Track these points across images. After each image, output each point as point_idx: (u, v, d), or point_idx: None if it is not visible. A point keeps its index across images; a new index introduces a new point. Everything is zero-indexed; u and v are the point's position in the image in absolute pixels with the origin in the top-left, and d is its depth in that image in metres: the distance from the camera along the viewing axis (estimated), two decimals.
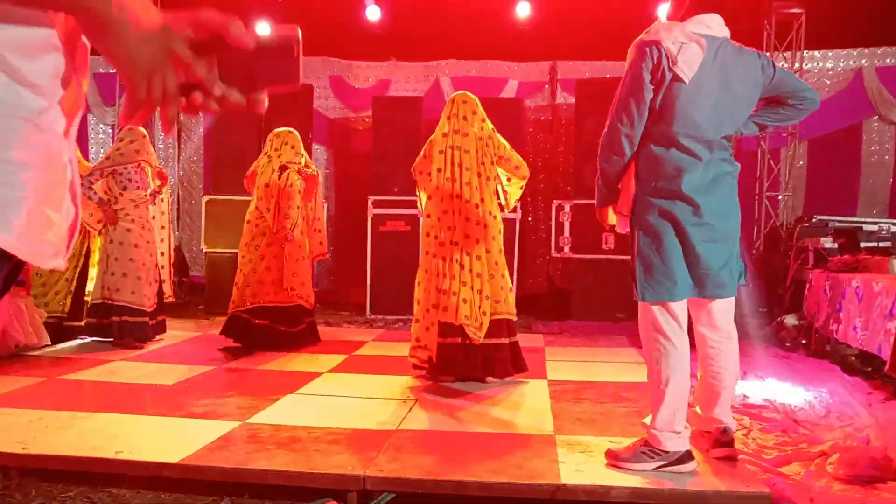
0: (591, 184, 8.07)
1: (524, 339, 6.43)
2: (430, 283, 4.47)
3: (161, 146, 9.65)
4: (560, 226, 7.79)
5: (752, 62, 2.98)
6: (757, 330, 6.88)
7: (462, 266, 4.40)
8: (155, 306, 5.73)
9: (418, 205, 4.92)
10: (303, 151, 5.92)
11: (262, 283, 5.48)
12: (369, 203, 7.78)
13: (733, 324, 3.12)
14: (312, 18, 9.21)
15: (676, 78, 2.82)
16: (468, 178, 4.48)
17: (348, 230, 9.25)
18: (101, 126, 10.18)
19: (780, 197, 8.26)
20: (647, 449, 2.94)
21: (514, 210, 7.73)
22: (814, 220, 6.97)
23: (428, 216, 4.57)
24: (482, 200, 4.47)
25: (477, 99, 4.77)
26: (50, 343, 5.40)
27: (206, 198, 8.27)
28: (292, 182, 5.53)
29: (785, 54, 8.27)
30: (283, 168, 5.57)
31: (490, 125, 4.69)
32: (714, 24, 2.90)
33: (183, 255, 9.46)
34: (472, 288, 4.39)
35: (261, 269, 5.49)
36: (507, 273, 4.59)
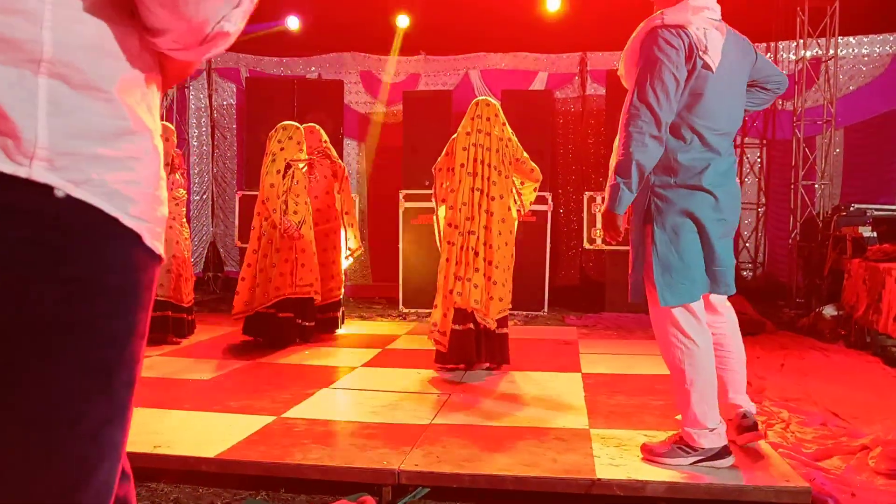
0: None
1: (558, 332, 6.44)
2: (449, 271, 4.61)
3: (195, 143, 9.77)
4: (592, 217, 7.74)
5: (747, 47, 2.92)
6: (795, 321, 6.78)
7: (476, 254, 4.52)
8: (192, 302, 5.83)
9: (433, 201, 4.98)
10: (326, 143, 5.99)
11: (283, 276, 5.51)
12: (400, 197, 7.81)
13: (732, 308, 3.09)
14: (342, 14, 9.24)
15: (706, 66, 2.69)
16: (489, 173, 4.61)
17: (380, 224, 9.29)
18: None
19: (816, 185, 8.11)
20: (684, 445, 2.90)
21: (545, 202, 7.71)
22: (851, 208, 6.83)
23: (451, 207, 4.65)
24: (501, 196, 4.62)
25: (499, 104, 4.92)
26: None
27: (239, 194, 8.37)
28: (298, 180, 5.58)
29: (819, 41, 8.11)
30: (287, 166, 5.59)
31: (510, 130, 4.82)
32: (716, 7, 2.79)
33: (217, 250, 9.58)
34: (483, 275, 4.53)
35: (280, 263, 5.51)
36: (511, 270, 4.70)
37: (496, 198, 4.59)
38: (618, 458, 2.99)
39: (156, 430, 3.31)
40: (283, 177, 5.53)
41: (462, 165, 4.64)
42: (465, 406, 3.87)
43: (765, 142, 9.00)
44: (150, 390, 4.15)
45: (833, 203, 7.99)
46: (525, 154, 4.84)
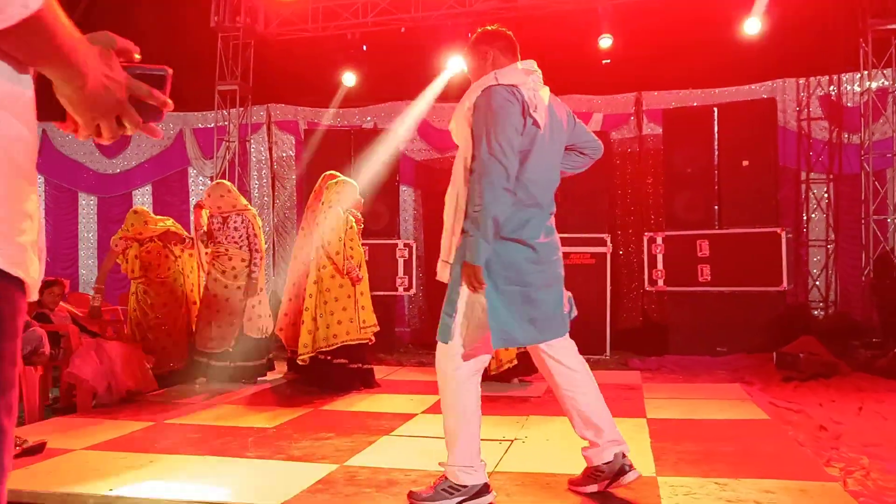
0: (682, 215, 7.88)
1: (621, 377, 6.30)
2: None
3: (256, 194, 10.03)
4: (652, 258, 7.62)
5: (564, 110, 3.06)
6: (871, 361, 6.50)
7: None
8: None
9: None
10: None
11: (341, 323, 5.60)
12: None
13: (579, 356, 3.16)
14: (395, 65, 9.45)
15: (536, 123, 2.82)
16: None
17: (436, 269, 9.31)
18: (201, 178, 10.68)
19: (888, 220, 7.83)
20: (447, 485, 2.89)
21: (604, 244, 7.64)
22: None
23: None
24: None
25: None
26: (157, 387, 5.64)
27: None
28: (351, 225, 5.72)
29: (885, 71, 7.91)
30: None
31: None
32: (539, 71, 2.93)
33: (279, 298, 9.73)
34: None
35: (337, 311, 5.62)
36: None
37: None
38: None
39: (222, 479, 3.34)
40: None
41: None
42: (529, 453, 3.80)
43: (831, 176, 8.77)
44: (215, 438, 4.21)
45: None
46: None
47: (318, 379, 5.67)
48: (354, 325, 5.64)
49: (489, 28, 3.09)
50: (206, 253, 6.18)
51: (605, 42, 8.83)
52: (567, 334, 3.11)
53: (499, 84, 2.82)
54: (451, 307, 2.90)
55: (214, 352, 6.00)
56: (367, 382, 5.76)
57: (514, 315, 2.87)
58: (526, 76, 2.87)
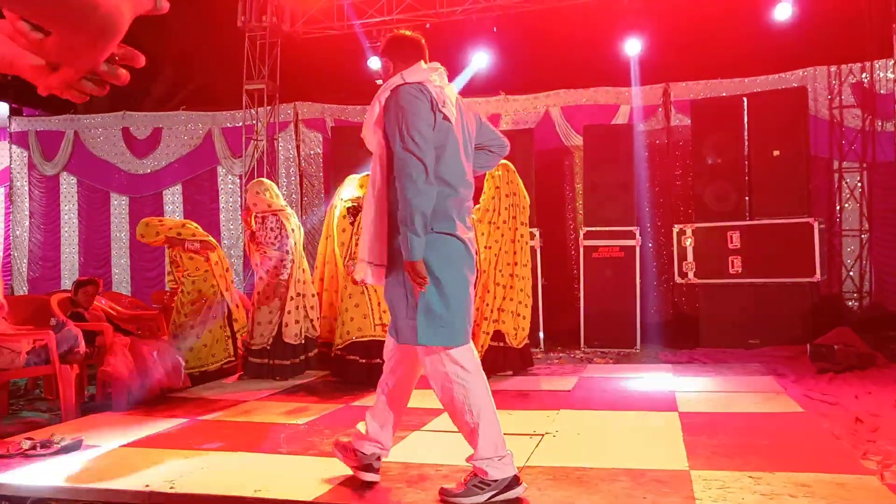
0: (712, 206, 7.83)
1: (651, 370, 6.26)
2: None
3: (284, 192, 10.11)
4: (682, 250, 7.54)
5: (470, 110, 3.14)
6: None
7: None
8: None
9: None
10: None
11: (353, 320, 5.70)
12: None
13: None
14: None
15: (446, 118, 2.87)
16: None
17: None
18: (230, 177, 10.78)
19: None
20: (478, 481, 2.89)
21: (633, 237, 7.59)
22: None
23: None
24: None
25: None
26: (190, 385, 5.71)
27: None
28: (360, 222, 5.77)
29: None
30: (352, 211, 5.79)
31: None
32: (442, 74, 3.02)
33: None
34: None
35: (351, 307, 5.70)
36: None
37: None
38: (721, 500, 2.85)
39: (255, 475, 3.38)
40: (352, 223, 5.73)
41: None
42: (559, 447, 3.79)
43: (865, 165, 8.61)
44: (249, 435, 4.25)
45: None
46: None
47: (338, 374, 5.84)
48: (368, 322, 5.67)
49: (397, 33, 3.18)
50: (255, 254, 6.25)
51: (633, 48, 8.79)
52: None
53: (405, 83, 2.90)
54: (412, 310, 2.92)
55: (252, 348, 6.10)
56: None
57: (458, 309, 2.92)
58: (431, 73, 2.95)
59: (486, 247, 5.92)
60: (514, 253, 6.00)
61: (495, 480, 2.89)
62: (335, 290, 6.17)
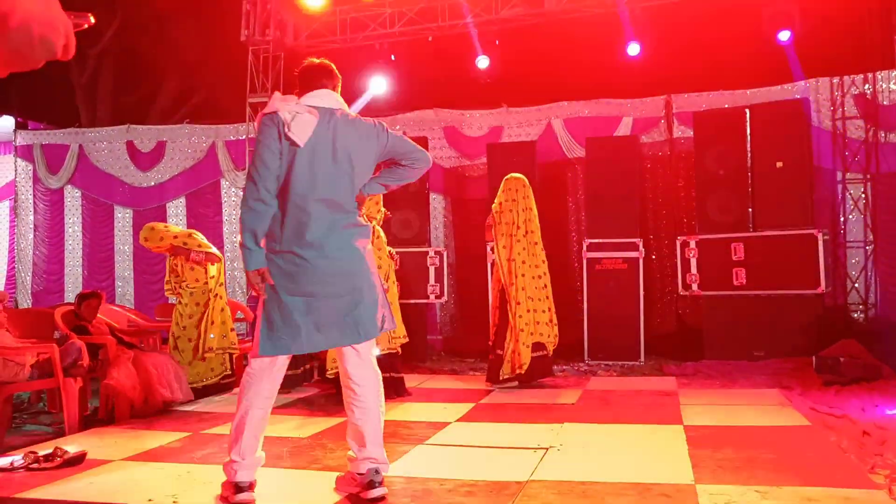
0: (715, 218, 7.84)
1: (656, 383, 6.24)
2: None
3: None
4: (686, 262, 7.53)
5: (368, 130, 3.27)
6: None
7: None
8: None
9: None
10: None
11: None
12: (488, 249, 7.82)
13: (369, 367, 3.27)
14: (424, 73, 9.49)
15: (293, 143, 3.09)
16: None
17: (467, 276, 9.32)
18: (234, 189, 10.81)
19: None
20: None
21: (636, 248, 7.58)
22: None
23: None
24: None
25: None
26: (193, 398, 5.69)
27: None
28: (378, 234, 5.77)
29: None
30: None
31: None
32: (326, 98, 3.22)
33: None
34: None
35: None
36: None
37: None
38: None
39: (258, 489, 3.36)
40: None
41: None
42: (564, 461, 3.77)
43: (868, 176, 8.60)
44: None
45: None
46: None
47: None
48: (384, 336, 5.64)
49: (305, 63, 3.38)
50: None
51: (634, 50, 8.79)
52: (362, 344, 3.24)
53: (263, 114, 3.19)
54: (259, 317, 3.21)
55: None
56: (398, 391, 5.77)
57: (291, 322, 3.10)
58: (285, 102, 3.17)
59: (508, 259, 6.02)
60: (536, 266, 6.11)
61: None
62: None
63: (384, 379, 5.60)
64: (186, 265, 6.06)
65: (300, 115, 3.13)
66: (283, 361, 3.23)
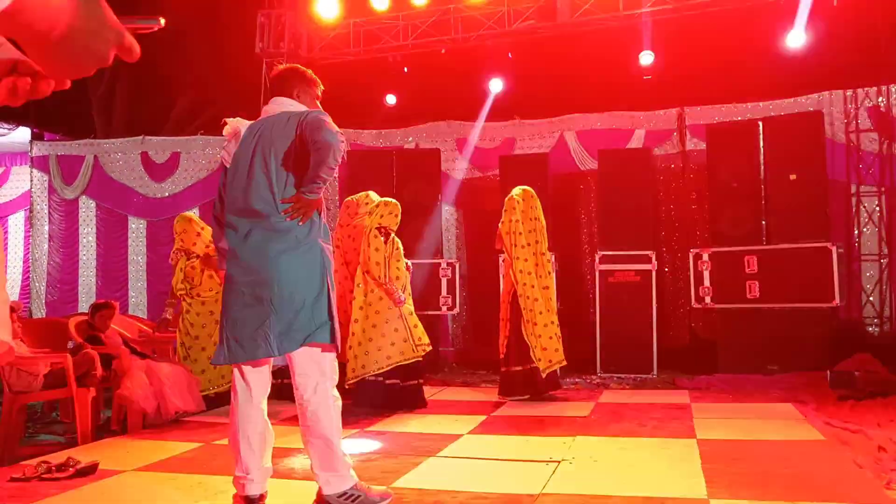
0: (729, 231, 7.80)
1: (669, 396, 6.20)
2: None
3: None
4: (699, 275, 7.49)
5: (290, 124, 3.13)
6: None
7: None
8: None
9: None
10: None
11: (394, 344, 5.62)
12: (500, 260, 7.82)
13: (312, 380, 3.12)
14: (437, 85, 9.53)
15: (223, 162, 3.31)
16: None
17: (479, 287, 9.31)
18: None
19: None
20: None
21: (649, 261, 7.55)
22: None
23: None
24: None
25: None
26: (205, 408, 5.70)
27: None
28: (397, 246, 5.79)
29: None
30: (386, 234, 5.75)
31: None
32: (270, 108, 3.29)
33: None
34: None
35: (389, 332, 5.64)
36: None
37: None
38: None
39: (271, 499, 3.35)
40: (385, 244, 5.68)
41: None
42: (576, 475, 3.75)
43: (883, 189, 8.55)
44: None
45: None
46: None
47: (368, 400, 5.68)
48: (409, 345, 5.66)
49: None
50: None
51: (647, 59, 8.77)
52: (300, 357, 3.13)
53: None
54: None
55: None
56: (417, 402, 5.77)
57: (222, 335, 3.18)
58: (235, 119, 3.33)
59: (519, 270, 6.05)
60: (540, 276, 6.12)
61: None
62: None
63: (405, 388, 5.65)
64: (206, 272, 6.05)
65: (241, 128, 3.29)
66: (253, 374, 3.17)
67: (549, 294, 6.18)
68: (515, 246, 6.09)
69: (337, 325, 3.16)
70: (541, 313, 6.03)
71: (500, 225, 6.25)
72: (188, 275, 6.08)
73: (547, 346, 6.03)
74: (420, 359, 5.77)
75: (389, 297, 5.62)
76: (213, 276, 6.09)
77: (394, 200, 5.98)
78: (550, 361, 6.03)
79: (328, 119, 3.13)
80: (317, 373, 3.13)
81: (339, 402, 3.22)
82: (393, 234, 5.77)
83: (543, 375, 6.00)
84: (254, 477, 3.14)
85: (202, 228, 6.24)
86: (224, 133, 3.32)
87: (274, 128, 3.18)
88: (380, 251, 5.64)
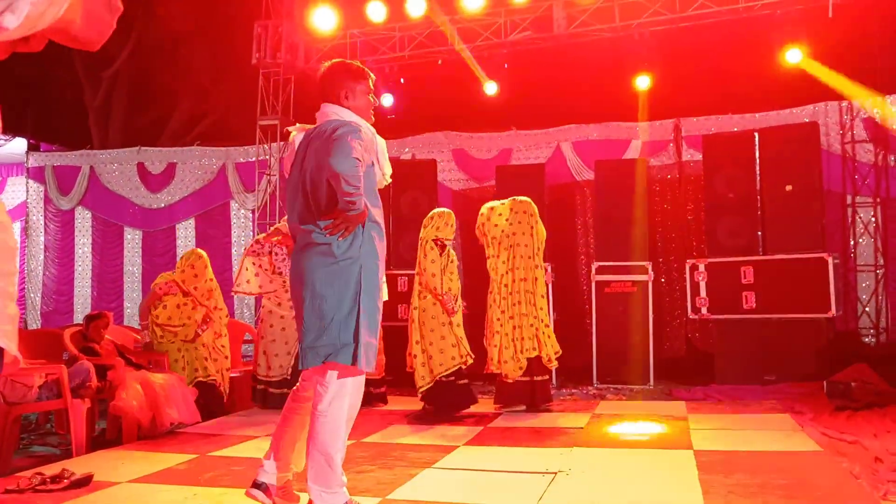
0: (725, 241, 7.82)
1: (665, 407, 6.18)
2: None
3: None
4: (695, 286, 7.50)
5: (327, 141, 3.04)
6: None
7: None
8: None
9: None
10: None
11: (455, 346, 5.88)
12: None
13: (329, 394, 3.07)
14: (433, 95, 9.55)
15: (282, 175, 3.26)
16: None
17: (475, 298, 9.29)
18: (242, 211, 10.86)
19: None
20: None
21: (646, 272, 7.56)
22: None
23: None
24: None
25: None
26: (201, 420, 5.67)
27: None
28: (452, 259, 6.00)
29: None
30: (442, 246, 5.90)
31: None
32: (318, 118, 3.26)
33: None
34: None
35: (449, 335, 5.90)
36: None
37: None
38: None
39: None
40: (441, 255, 5.86)
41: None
42: (572, 486, 3.73)
43: (878, 200, 8.58)
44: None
45: None
46: None
47: (445, 401, 5.86)
48: (462, 350, 5.89)
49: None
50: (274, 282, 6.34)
51: (644, 83, 8.86)
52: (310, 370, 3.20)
53: None
54: None
55: (272, 379, 6.11)
56: (469, 398, 6.02)
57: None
58: (296, 126, 3.40)
59: (514, 280, 6.07)
60: (535, 280, 6.08)
61: None
62: None
63: (460, 386, 5.83)
64: (193, 316, 6.08)
65: (295, 138, 3.33)
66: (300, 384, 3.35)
67: (544, 303, 6.16)
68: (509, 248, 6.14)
69: (364, 349, 3.01)
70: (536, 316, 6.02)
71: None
72: (174, 314, 6.07)
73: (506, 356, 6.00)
74: (466, 363, 5.94)
75: (443, 308, 5.75)
76: (195, 323, 6.07)
77: (448, 210, 6.06)
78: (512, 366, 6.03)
79: (353, 137, 3.01)
80: (335, 387, 3.07)
81: (353, 420, 3.21)
82: (449, 247, 5.86)
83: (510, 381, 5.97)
84: (267, 466, 3.29)
85: (205, 268, 6.26)
86: (289, 141, 3.39)
87: (316, 141, 3.16)
88: (436, 263, 5.78)
